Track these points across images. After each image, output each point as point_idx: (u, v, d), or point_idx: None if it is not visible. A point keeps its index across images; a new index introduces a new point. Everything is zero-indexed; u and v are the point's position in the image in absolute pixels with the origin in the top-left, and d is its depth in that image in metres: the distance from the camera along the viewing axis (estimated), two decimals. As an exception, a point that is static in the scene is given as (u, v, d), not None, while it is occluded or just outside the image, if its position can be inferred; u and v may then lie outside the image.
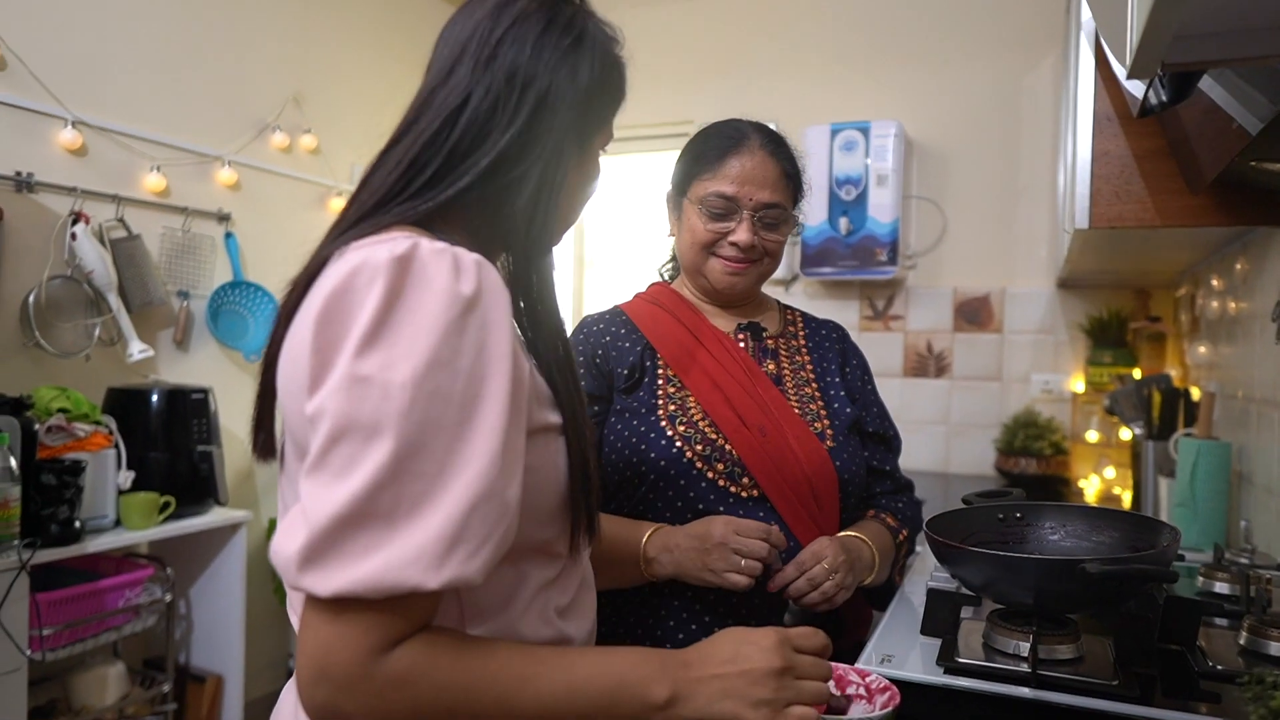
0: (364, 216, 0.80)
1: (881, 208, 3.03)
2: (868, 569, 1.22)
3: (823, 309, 3.04)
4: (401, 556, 0.64)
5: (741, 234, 1.26)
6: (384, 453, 0.65)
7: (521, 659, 0.72)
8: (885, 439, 1.39)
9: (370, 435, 0.65)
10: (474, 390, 0.68)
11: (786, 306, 1.45)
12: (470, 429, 0.68)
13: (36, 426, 2.06)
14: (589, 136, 0.88)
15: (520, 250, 0.83)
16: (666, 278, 1.46)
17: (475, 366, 0.69)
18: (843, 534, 1.22)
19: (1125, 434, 2.76)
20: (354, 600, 0.65)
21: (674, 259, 1.44)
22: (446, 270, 0.69)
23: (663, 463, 1.20)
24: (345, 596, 0.64)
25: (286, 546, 0.66)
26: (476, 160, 0.80)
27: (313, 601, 0.67)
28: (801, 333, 1.41)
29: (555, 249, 0.91)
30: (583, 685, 0.72)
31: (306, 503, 0.67)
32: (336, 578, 0.64)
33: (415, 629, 0.69)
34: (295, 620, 0.79)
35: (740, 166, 1.26)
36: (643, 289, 1.42)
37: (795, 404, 1.28)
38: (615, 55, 0.90)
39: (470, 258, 0.72)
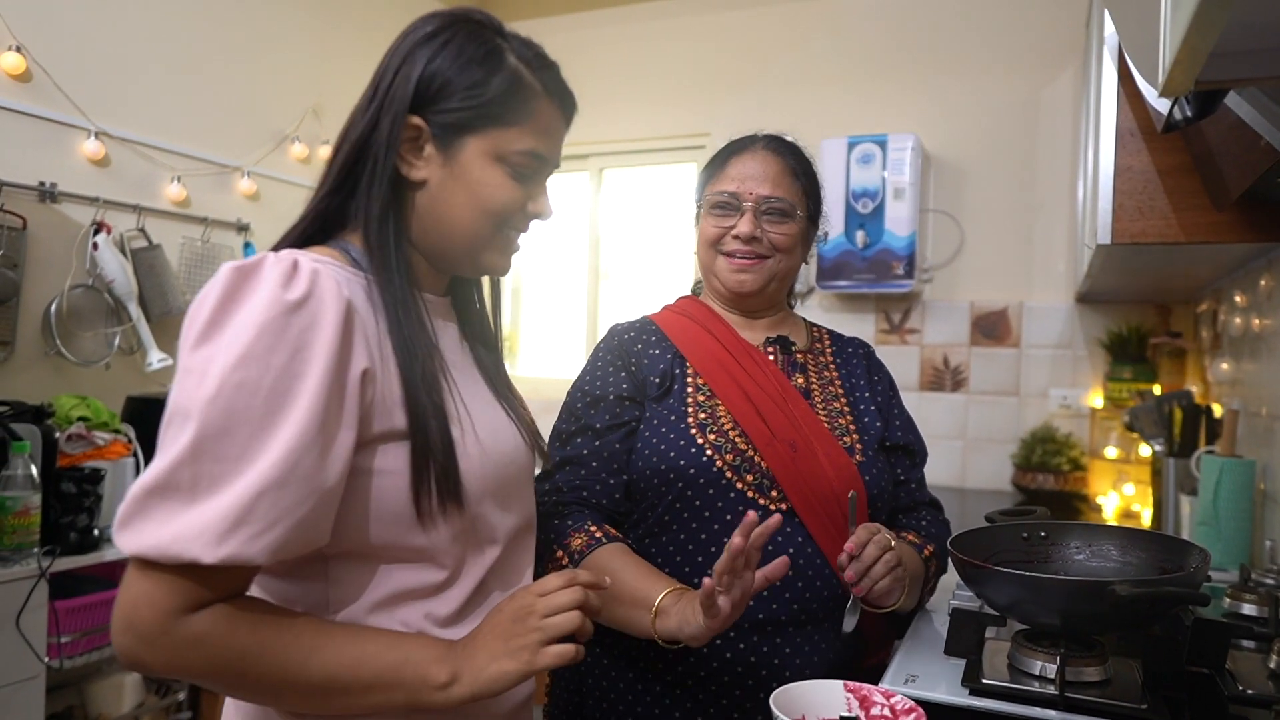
0: (286, 241, 0.90)
1: (898, 221, 3.02)
2: (907, 579, 1.18)
3: (839, 322, 3.03)
4: (187, 530, 0.70)
5: (742, 225, 1.28)
6: (188, 434, 0.71)
7: (315, 632, 0.78)
8: (909, 450, 1.38)
9: (185, 419, 0.72)
10: (284, 386, 0.74)
11: (812, 324, 1.45)
12: (275, 420, 0.73)
13: (57, 435, 2.07)
14: (454, 146, 0.88)
15: (378, 260, 0.87)
16: (696, 294, 1.45)
17: (290, 364, 0.74)
18: None
19: (1145, 450, 2.74)
20: (159, 564, 0.71)
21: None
22: (278, 276, 0.76)
23: (692, 470, 1.19)
24: (136, 557, 0.72)
25: (120, 505, 0.74)
26: (360, 179, 0.88)
27: (132, 560, 0.73)
28: (829, 349, 1.41)
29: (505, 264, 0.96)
30: (369, 659, 0.79)
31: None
32: (134, 540, 0.71)
33: (220, 597, 0.75)
34: None
35: (742, 165, 1.31)
36: (671, 301, 1.42)
37: (824, 418, 1.28)
38: (482, 54, 0.88)
39: (308, 267, 0.78)
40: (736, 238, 1.29)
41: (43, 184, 2.31)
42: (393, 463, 0.82)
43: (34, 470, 1.93)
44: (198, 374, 0.73)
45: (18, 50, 2.26)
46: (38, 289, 2.30)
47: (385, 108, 0.87)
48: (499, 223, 0.91)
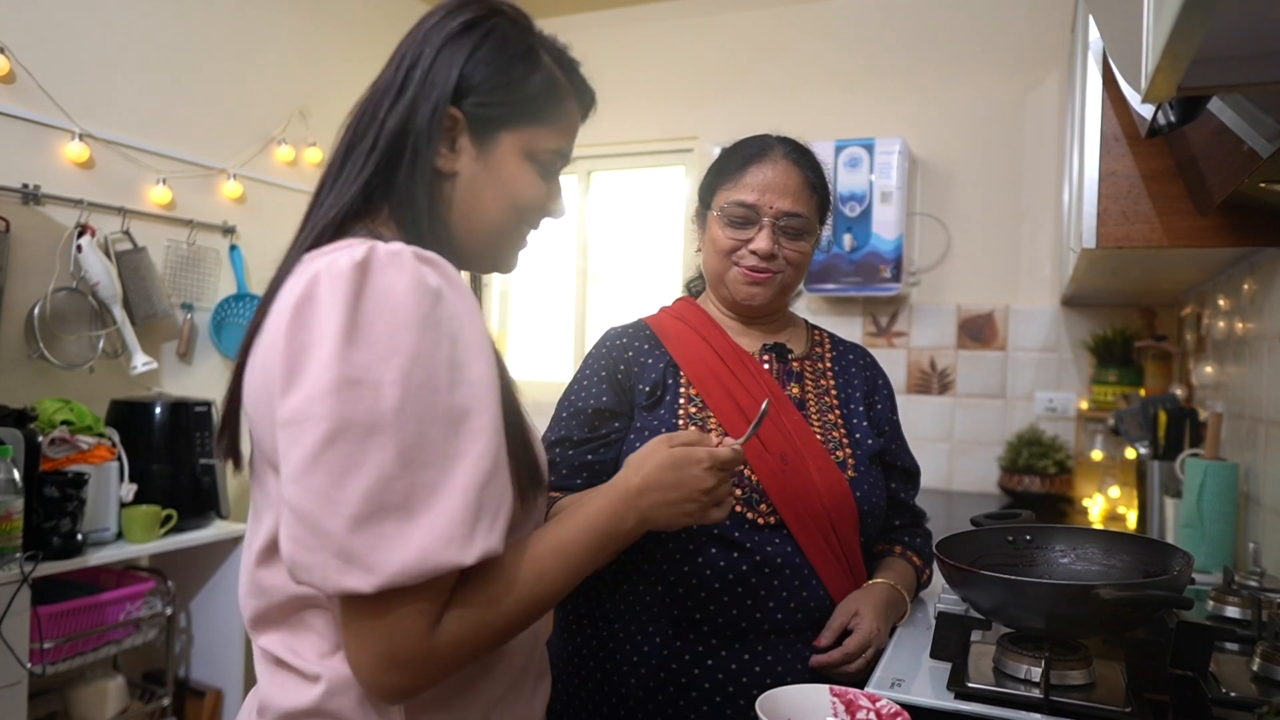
0: (315, 230, 0.84)
1: (885, 224, 3.03)
2: (899, 617, 1.25)
3: (826, 325, 3.03)
4: (431, 541, 0.69)
5: (761, 242, 1.25)
6: (387, 449, 0.69)
7: (529, 565, 0.79)
8: (909, 472, 1.39)
9: (368, 434, 0.69)
10: (459, 377, 0.72)
11: (814, 326, 1.44)
12: (465, 414, 0.72)
13: (40, 439, 2.05)
14: (490, 140, 0.87)
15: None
16: (693, 293, 1.44)
17: (455, 355, 0.73)
18: (882, 584, 1.24)
19: (1130, 453, 2.75)
20: (397, 591, 0.69)
21: (701, 275, 1.42)
22: (408, 268, 0.73)
23: None
24: (390, 588, 0.68)
25: (308, 556, 0.69)
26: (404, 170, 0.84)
27: (354, 602, 0.71)
28: (828, 355, 1.39)
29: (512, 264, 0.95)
30: (575, 543, 0.83)
31: (308, 508, 0.68)
32: (378, 573, 0.68)
33: (449, 595, 0.74)
34: (266, 666, 0.83)
35: (761, 175, 1.26)
36: (668, 303, 1.40)
37: (818, 430, 1.27)
38: (523, 50, 0.88)
39: (425, 254, 0.75)
40: (754, 253, 1.26)
41: (26, 186, 2.29)
42: None
43: (16, 474, 1.91)
44: (368, 385, 0.69)
45: (0, 51, 2.24)
46: (21, 292, 2.28)
47: (424, 96, 0.84)
48: (523, 218, 0.91)
